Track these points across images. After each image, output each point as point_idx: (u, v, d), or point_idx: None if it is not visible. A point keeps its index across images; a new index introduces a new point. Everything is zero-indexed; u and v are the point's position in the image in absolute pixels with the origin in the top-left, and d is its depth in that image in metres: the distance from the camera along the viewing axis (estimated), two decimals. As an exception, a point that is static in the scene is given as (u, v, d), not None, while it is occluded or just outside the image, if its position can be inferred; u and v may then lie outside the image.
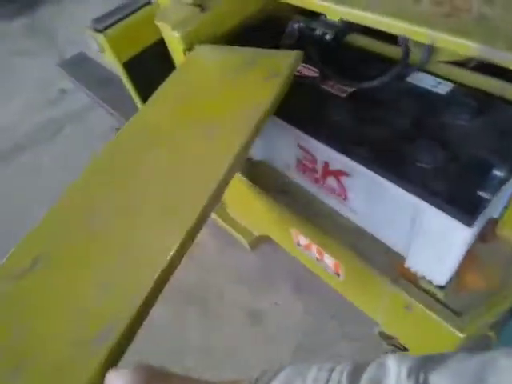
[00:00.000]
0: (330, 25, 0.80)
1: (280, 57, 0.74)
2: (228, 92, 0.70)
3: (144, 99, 1.08)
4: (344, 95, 0.81)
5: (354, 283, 1.01)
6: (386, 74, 0.76)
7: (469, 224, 0.57)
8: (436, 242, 0.68)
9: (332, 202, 0.93)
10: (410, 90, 0.78)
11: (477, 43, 0.59)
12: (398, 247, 0.84)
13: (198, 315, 1.46)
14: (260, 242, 1.51)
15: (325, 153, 0.78)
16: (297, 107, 0.81)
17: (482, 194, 0.58)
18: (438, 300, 0.77)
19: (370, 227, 0.88)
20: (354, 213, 0.89)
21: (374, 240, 0.88)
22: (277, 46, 0.94)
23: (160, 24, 0.81)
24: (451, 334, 0.74)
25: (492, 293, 0.77)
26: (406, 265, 0.81)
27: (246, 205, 1.28)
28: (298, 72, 0.89)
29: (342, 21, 0.79)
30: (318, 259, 1.06)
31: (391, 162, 0.67)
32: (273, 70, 0.68)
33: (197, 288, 1.53)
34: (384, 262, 0.85)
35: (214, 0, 0.83)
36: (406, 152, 0.67)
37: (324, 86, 0.84)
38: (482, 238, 0.82)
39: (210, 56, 0.73)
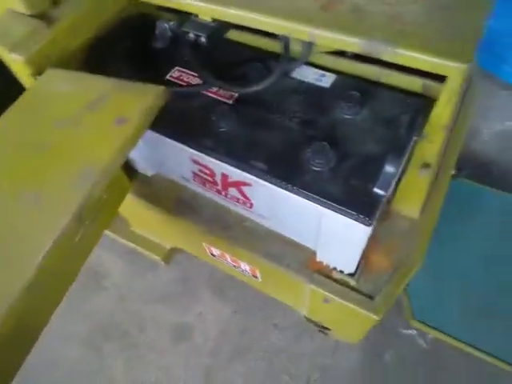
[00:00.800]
0: (203, 25, 0.74)
1: (138, 94, 0.60)
2: (71, 137, 0.56)
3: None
4: (230, 101, 0.77)
5: (272, 284, 1.01)
6: (269, 75, 0.73)
7: (368, 224, 0.59)
8: (340, 238, 0.69)
9: (239, 209, 0.90)
10: (295, 86, 0.77)
11: (356, 38, 0.59)
12: (308, 243, 0.84)
13: (118, 350, 1.34)
14: (174, 253, 1.43)
15: (220, 166, 0.73)
16: (182, 121, 0.75)
17: (377, 190, 0.59)
18: (350, 288, 0.80)
19: (280, 229, 0.87)
20: (262, 218, 0.87)
21: (286, 240, 0.87)
22: (148, 51, 0.85)
23: None
24: (367, 317, 0.78)
25: (397, 267, 0.82)
26: (318, 259, 0.83)
27: (150, 222, 1.19)
28: (179, 80, 0.82)
29: (215, 20, 0.73)
30: (234, 266, 1.03)
31: (285, 170, 0.65)
32: (125, 111, 0.56)
33: (114, 320, 1.40)
34: (297, 261, 0.85)
35: (60, 8, 0.70)
36: (298, 157, 0.66)
37: (209, 94, 0.78)
38: (380, 217, 0.87)
39: (60, 86, 0.59)
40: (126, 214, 1.26)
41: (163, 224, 1.06)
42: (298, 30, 0.63)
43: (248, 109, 0.75)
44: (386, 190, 0.59)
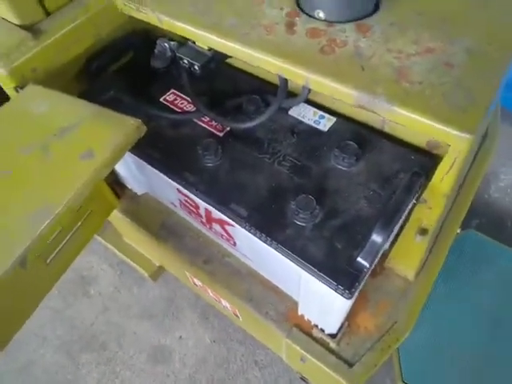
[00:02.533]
0: (198, 53, 0.69)
1: (112, 126, 0.55)
2: (33, 167, 0.52)
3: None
4: (221, 134, 0.72)
5: (252, 325, 0.94)
6: (264, 112, 0.68)
7: (347, 297, 0.52)
8: (320, 300, 0.63)
9: (223, 243, 0.84)
10: (291, 126, 0.71)
11: (354, 90, 0.53)
12: (291, 293, 0.78)
13: (94, 362, 1.30)
14: (162, 270, 1.39)
15: (203, 203, 0.68)
16: (167, 149, 0.70)
17: (361, 260, 0.53)
18: (330, 350, 0.73)
19: (263, 272, 0.81)
20: (245, 257, 0.81)
21: (268, 284, 0.81)
22: (146, 69, 0.81)
23: None
24: (344, 384, 0.71)
25: (384, 332, 0.75)
26: (299, 312, 0.76)
27: (137, 239, 1.15)
28: (173, 104, 0.77)
29: (211, 49, 0.69)
30: (215, 300, 0.98)
31: (266, 220, 0.60)
32: (94, 144, 0.52)
33: (93, 330, 1.36)
34: (277, 311, 0.79)
35: (51, 19, 0.66)
36: (282, 207, 0.60)
37: (200, 122, 0.74)
38: (371, 272, 0.80)
39: (36, 106, 0.55)
40: (116, 225, 1.23)
41: (148, 244, 1.02)
42: (292, 72, 0.57)
43: (237, 144, 0.70)
44: (370, 261, 0.52)
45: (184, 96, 0.78)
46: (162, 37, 0.81)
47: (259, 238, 0.59)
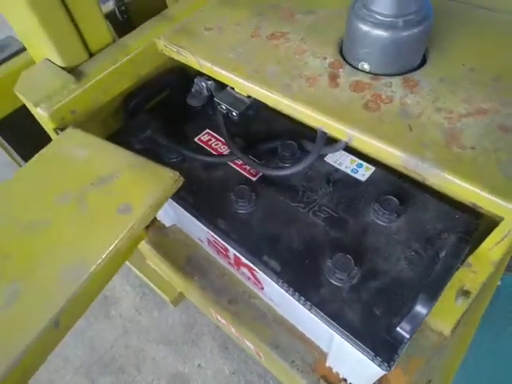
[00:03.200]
0: (236, 100, 0.69)
1: (150, 178, 0.54)
2: (69, 218, 0.51)
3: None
4: (254, 179, 0.70)
5: (275, 369, 0.92)
6: (300, 160, 0.67)
7: (385, 369, 0.49)
8: (353, 362, 0.60)
9: (250, 285, 0.83)
10: (327, 173, 0.69)
11: (400, 152, 0.51)
12: (320, 344, 0.75)
13: (112, 387, 1.29)
14: (184, 296, 1.38)
15: (232, 249, 0.67)
16: (199, 192, 0.70)
17: (401, 331, 0.50)
18: (360, 409, 0.70)
19: (290, 319, 0.78)
20: (273, 302, 0.79)
21: (295, 332, 0.79)
22: (182, 107, 0.82)
23: (21, 97, 0.64)
24: None
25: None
26: (327, 364, 0.73)
27: (162, 267, 1.14)
28: (207, 144, 0.77)
29: (250, 97, 0.68)
30: (238, 338, 0.96)
31: (299, 277, 0.58)
32: (132, 198, 0.51)
33: (113, 353, 1.36)
34: (304, 360, 0.76)
35: (93, 61, 0.67)
36: (317, 264, 0.58)
37: (233, 166, 0.73)
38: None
39: (74, 151, 0.55)
40: (141, 249, 1.23)
41: (173, 275, 1.01)
42: (334, 128, 0.56)
43: (271, 191, 0.68)
44: (411, 332, 0.50)
45: (219, 137, 0.78)
46: (199, 75, 0.81)
47: (292, 296, 0.57)
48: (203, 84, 0.80)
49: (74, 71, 0.66)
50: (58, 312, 0.42)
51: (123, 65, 0.70)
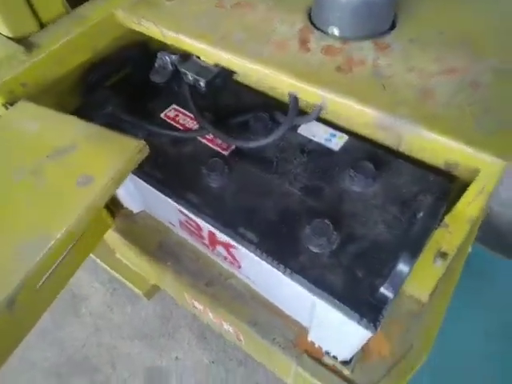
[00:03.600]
0: (203, 69, 0.66)
1: (112, 148, 0.50)
2: (25, 194, 0.47)
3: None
4: (226, 153, 0.68)
5: (256, 351, 0.90)
6: (272, 130, 0.65)
7: (372, 330, 0.49)
8: (335, 329, 0.59)
9: (226, 265, 0.80)
10: (301, 144, 0.68)
11: (376, 110, 0.50)
12: (300, 320, 0.74)
13: (85, 388, 1.23)
14: (158, 288, 1.33)
15: (207, 225, 0.64)
16: (169, 169, 0.66)
17: (384, 291, 0.49)
18: (343, 377, 0.69)
19: (269, 296, 0.77)
20: (250, 281, 0.77)
21: (274, 309, 0.77)
22: (145, 83, 0.77)
23: None
24: (360, 417, 0.67)
25: (399, 358, 0.72)
26: (309, 338, 0.72)
27: (132, 258, 1.09)
28: (174, 120, 0.73)
29: (218, 65, 0.65)
30: (216, 323, 0.93)
31: (278, 246, 0.56)
32: (93, 168, 0.47)
33: (85, 352, 1.29)
34: (285, 337, 0.75)
35: (45, 32, 0.62)
36: (295, 232, 0.57)
37: (203, 141, 0.70)
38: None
39: (28, 124, 0.50)
40: (109, 242, 1.17)
41: (145, 264, 0.97)
42: (308, 92, 0.54)
43: (244, 164, 0.66)
44: (395, 292, 0.49)
45: (186, 112, 0.74)
46: (162, 50, 0.77)
47: (272, 265, 0.56)
48: (167, 58, 0.76)
49: (24, 42, 0.61)
50: (13, 290, 0.38)
51: (78, 36, 0.65)
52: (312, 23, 0.63)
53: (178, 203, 0.63)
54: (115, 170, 0.46)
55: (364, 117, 0.52)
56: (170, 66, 0.77)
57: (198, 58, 0.66)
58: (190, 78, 0.65)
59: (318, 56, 0.58)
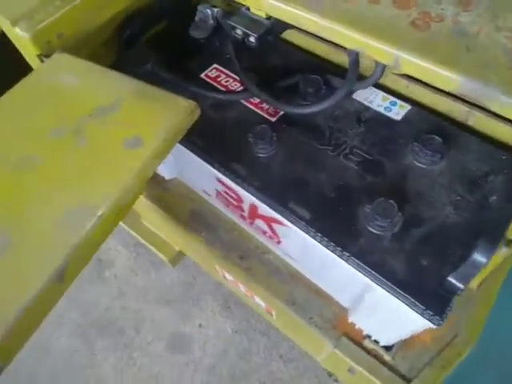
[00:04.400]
0: (254, 22, 0.58)
1: (162, 107, 0.45)
2: (64, 155, 0.42)
3: None
4: (273, 119, 0.62)
5: (288, 327, 0.88)
6: (327, 94, 0.58)
7: (437, 322, 0.44)
8: (387, 316, 0.55)
9: (264, 239, 0.76)
10: (357, 112, 0.61)
11: (459, 74, 0.43)
12: (341, 300, 0.70)
13: (111, 350, 1.25)
14: (183, 255, 1.32)
15: (250, 197, 0.59)
16: (211, 135, 0.61)
17: (453, 281, 0.45)
18: (384, 363, 0.66)
19: (308, 274, 0.73)
20: (289, 257, 0.73)
21: (313, 287, 0.73)
22: (184, 39, 0.71)
23: None
24: (399, 403, 0.64)
25: (443, 346, 0.68)
26: (350, 319, 0.69)
27: (161, 225, 1.07)
28: (216, 81, 0.67)
29: (270, 18, 0.58)
30: (247, 296, 0.91)
31: (333, 225, 0.51)
32: (142, 129, 0.41)
33: (109, 315, 1.30)
34: (323, 317, 0.72)
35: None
36: (353, 211, 0.52)
37: (248, 105, 0.64)
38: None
39: (66, 78, 0.45)
40: (136, 207, 1.14)
41: (174, 232, 0.94)
42: (378, 49, 0.47)
43: (294, 132, 0.60)
44: (465, 282, 0.44)
45: (229, 72, 0.68)
46: (202, 2, 0.70)
47: (325, 247, 0.51)
48: (208, 11, 0.69)
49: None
50: (61, 264, 0.35)
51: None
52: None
53: (221, 172, 0.58)
54: (166, 131, 0.41)
55: (444, 81, 0.45)
56: (212, 21, 0.70)
57: (248, 9, 0.58)
58: (239, 33, 0.58)
59: (390, 9, 0.50)
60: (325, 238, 0.50)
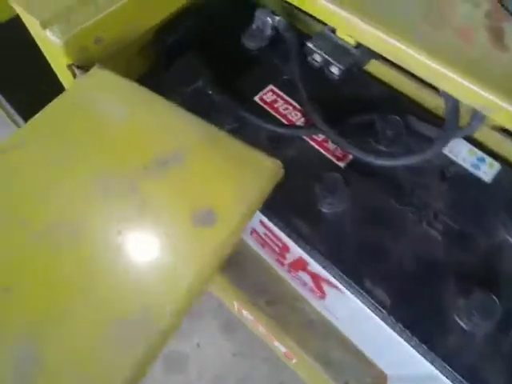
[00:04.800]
0: (340, 49, 0.48)
1: (237, 167, 0.34)
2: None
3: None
4: (342, 164, 0.52)
5: (309, 377, 0.79)
6: (402, 143, 0.49)
7: None
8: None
9: (300, 289, 0.67)
10: (441, 167, 0.52)
11: None
12: (384, 366, 0.62)
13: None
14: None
15: (303, 254, 0.50)
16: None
17: None
18: None
19: (348, 333, 0.64)
20: (330, 314, 0.64)
21: (349, 346, 0.65)
22: (236, 49, 0.59)
23: (20, 11, 0.39)
24: None
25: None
26: (390, 389, 0.61)
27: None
28: (272, 107, 0.56)
29: (359, 46, 0.47)
30: (265, 336, 0.82)
31: (417, 315, 0.42)
32: (213, 199, 0.30)
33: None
34: (361, 380, 0.64)
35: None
36: (440, 297, 0.43)
37: (312, 143, 0.53)
38: None
39: (107, 107, 0.33)
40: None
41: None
42: (499, 108, 0.38)
43: (368, 184, 0.50)
44: None
45: (288, 98, 0.57)
46: (261, 7, 0.59)
47: (407, 341, 0.42)
48: (268, 19, 0.58)
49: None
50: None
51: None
52: (502, 4, 0.45)
53: (281, 230, 0.48)
54: (247, 203, 0.31)
55: None
56: (270, 31, 0.59)
57: (333, 31, 0.47)
58: (318, 60, 0.48)
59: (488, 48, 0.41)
60: (407, 331, 0.41)
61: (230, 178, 0.32)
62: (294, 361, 0.79)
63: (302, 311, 0.68)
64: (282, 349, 0.77)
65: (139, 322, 0.27)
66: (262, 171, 0.33)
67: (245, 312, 0.79)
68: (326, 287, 0.55)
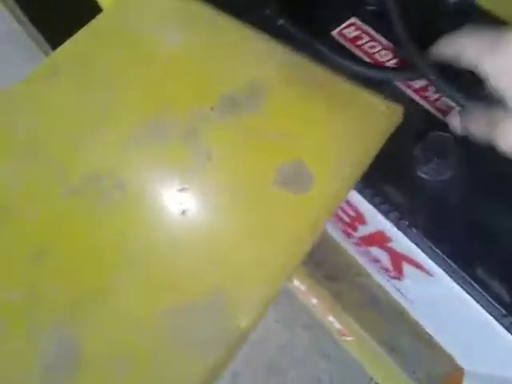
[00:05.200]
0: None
1: (339, 111, 0.25)
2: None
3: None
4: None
5: (370, 362, 0.73)
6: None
7: None
8: None
9: (367, 265, 0.59)
10: None
11: None
12: (460, 359, 0.54)
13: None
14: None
15: (390, 229, 0.41)
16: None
17: None
18: None
19: (427, 323, 0.56)
20: (402, 296, 0.56)
21: (420, 332, 0.57)
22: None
23: None
24: None
25: None
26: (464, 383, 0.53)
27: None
28: (354, 44, 0.45)
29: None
30: (318, 311, 0.76)
31: None
32: (307, 152, 0.22)
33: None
34: (429, 373, 0.56)
35: None
36: None
37: (406, 90, 0.43)
38: None
39: (163, 33, 0.24)
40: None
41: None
42: None
43: (478, 148, 0.39)
44: None
45: (375, 34, 0.45)
46: None
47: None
48: None
49: None
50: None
51: None
52: None
53: (365, 196, 0.39)
54: (352, 158, 0.22)
55: None
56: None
57: None
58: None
59: None
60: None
61: (330, 123, 0.23)
62: (348, 338, 0.72)
63: (366, 288, 0.60)
64: (337, 325, 0.71)
65: (214, 311, 0.20)
66: (375, 117, 0.24)
67: (297, 281, 0.73)
68: (407, 268, 0.47)
